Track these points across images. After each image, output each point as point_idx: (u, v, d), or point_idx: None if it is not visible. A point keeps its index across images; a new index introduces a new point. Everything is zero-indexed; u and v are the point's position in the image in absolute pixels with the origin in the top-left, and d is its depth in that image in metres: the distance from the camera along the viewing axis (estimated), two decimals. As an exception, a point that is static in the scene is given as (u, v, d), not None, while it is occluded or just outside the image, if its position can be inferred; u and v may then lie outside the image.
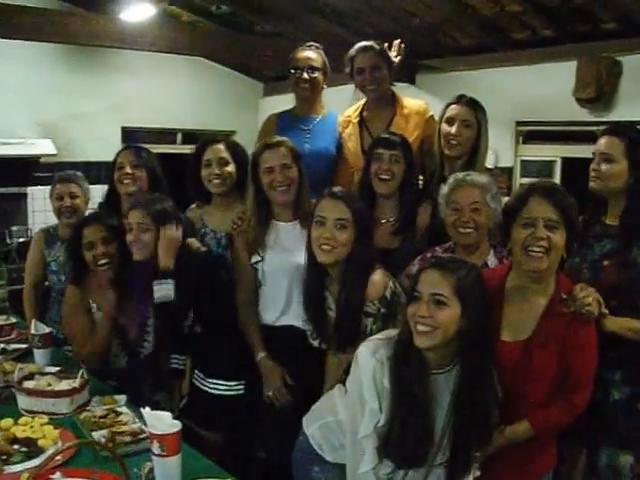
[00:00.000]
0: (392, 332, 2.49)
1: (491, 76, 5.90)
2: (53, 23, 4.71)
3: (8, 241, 6.57)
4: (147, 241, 3.16)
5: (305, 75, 3.94)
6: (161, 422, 2.28)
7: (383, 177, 3.33)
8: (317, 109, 4.07)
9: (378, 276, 2.83)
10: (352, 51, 3.88)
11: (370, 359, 2.37)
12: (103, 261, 3.33)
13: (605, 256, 2.82)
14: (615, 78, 5.14)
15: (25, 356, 3.51)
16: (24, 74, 6.71)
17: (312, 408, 2.81)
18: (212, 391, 3.33)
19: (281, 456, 2.93)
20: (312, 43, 4.05)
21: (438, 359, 2.36)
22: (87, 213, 4.05)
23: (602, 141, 2.90)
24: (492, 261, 3.01)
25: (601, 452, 2.80)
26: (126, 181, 3.70)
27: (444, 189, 3.07)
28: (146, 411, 2.34)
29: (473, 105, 3.50)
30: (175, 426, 2.28)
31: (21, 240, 6.50)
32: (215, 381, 3.32)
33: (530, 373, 2.49)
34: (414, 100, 4.00)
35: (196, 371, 3.43)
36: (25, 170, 6.79)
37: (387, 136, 3.47)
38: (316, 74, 3.95)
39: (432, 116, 3.84)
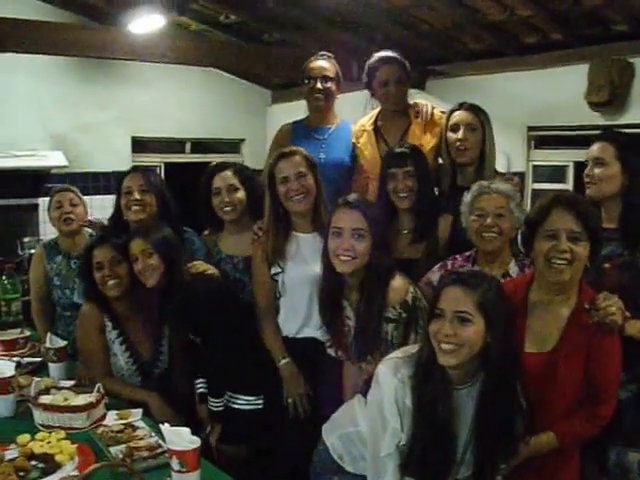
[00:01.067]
0: (411, 349, 2.46)
1: (502, 81, 5.87)
2: (64, 37, 4.72)
3: (20, 252, 6.57)
4: (155, 265, 3.21)
5: (319, 85, 3.93)
6: (180, 438, 2.28)
7: (401, 195, 3.33)
8: (331, 119, 4.06)
9: (398, 281, 2.81)
10: (373, 62, 3.85)
11: (391, 379, 2.34)
12: (112, 282, 3.28)
13: (605, 259, 2.78)
14: (627, 80, 5.08)
15: (39, 370, 3.50)
16: (34, 86, 6.74)
17: (331, 418, 2.78)
18: (230, 405, 3.27)
19: (300, 467, 2.90)
20: (324, 53, 4.04)
21: (461, 375, 2.33)
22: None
23: (594, 147, 2.93)
24: (514, 270, 2.99)
25: (609, 451, 2.77)
26: (135, 208, 3.60)
27: (467, 197, 3.07)
28: (165, 427, 2.34)
29: (475, 109, 3.52)
30: (194, 442, 2.28)
31: (33, 251, 6.49)
32: (233, 395, 3.26)
33: (554, 384, 2.46)
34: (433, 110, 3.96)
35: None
36: (36, 181, 6.80)
37: (398, 151, 3.43)
38: (329, 84, 3.94)
39: None
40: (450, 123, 3.52)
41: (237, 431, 3.23)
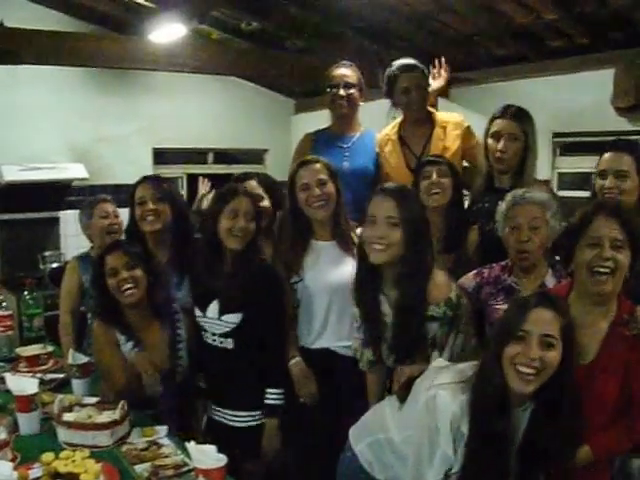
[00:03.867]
0: (467, 370, 2.37)
1: (527, 86, 5.79)
2: (84, 48, 4.72)
3: (41, 266, 6.57)
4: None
5: (342, 92, 3.93)
6: (206, 456, 2.27)
7: (433, 191, 3.30)
8: (354, 126, 4.06)
9: (441, 277, 2.73)
10: (394, 69, 3.87)
11: (451, 406, 2.26)
12: (127, 286, 3.19)
13: None
14: (654, 85, 5.01)
15: (63, 386, 3.47)
16: (54, 98, 6.76)
17: (360, 422, 2.72)
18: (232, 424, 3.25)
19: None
20: (346, 62, 4.04)
21: (520, 398, 2.29)
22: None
23: (611, 158, 2.91)
24: (550, 281, 2.94)
25: (632, 461, 2.71)
26: (150, 218, 3.54)
27: (502, 206, 3.01)
28: (191, 445, 2.33)
29: (519, 117, 3.43)
30: (221, 460, 2.26)
31: (54, 265, 6.50)
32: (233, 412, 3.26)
33: (592, 397, 2.40)
34: (449, 113, 4.00)
35: (213, 406, 3.35)
36: (57, 194, 6.82)
37: (433, 158, 3.47)
38: (352, 90, 3.94)
39: (469, 127, 3.84)
40: (492, 130, 3.43)
41: (251, 447, 3.18)
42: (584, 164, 5.64)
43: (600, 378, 2.42)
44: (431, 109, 3.96)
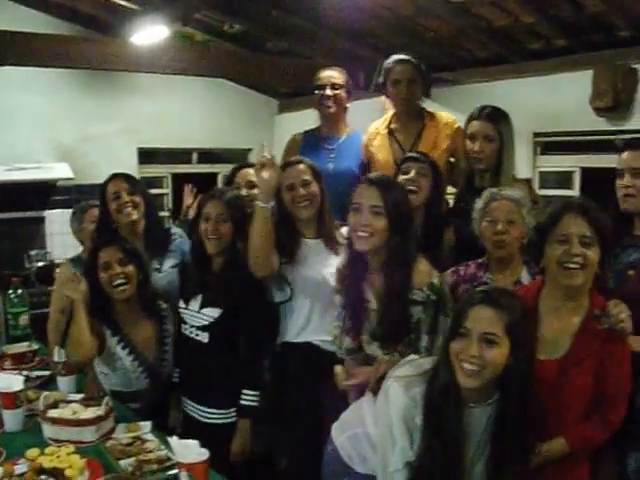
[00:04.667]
0: (425, 364, 2.44)
1: (507, 87, 5.85)
2: (67, 49, 4.74)
3: (27, 265, 6.61)
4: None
5: (328, 92, 3.99)
6: (189, 451, 2.30)
7: (410, 188, 3.30)
8: (341, 128, 4.12)
9: (423, 265, 2.76)
10: (389, 63, 3.94)
11: (402, 397, 2.33)
12: (119, 281, 3.28)
13: (630, 266, 2.80)
14: (632, 86, 5.06)
15: (48, 383, 3.51)
16: (39, 99, 6.78)
17: (340, 418, 2.78)
18: (206, 420, 3.31)
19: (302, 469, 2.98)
20: (334, 67, 4.13)
21: (476, 394, 2.32)
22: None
23: (630, 156, 2.89)
24: (525, 277, 3.01)
25: (629, 457, 2.75)
26: (127, 209, 3.65)
27: (479, 203, 3.09)
28: (173, 440, 2.37)
29: (494, 117, 3.49)
30: (203, 454, 2.29)
31: (40, 264, 6.52)
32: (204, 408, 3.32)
33: (566, 391, 2.47)
34: (442, 112, 4.03)
35: (187, 400, 3.41)
36: (42, 194, 6.85)
37: (417, 155, 3.50)
38: (339, 91, 4.01)
39: (460, 127, 3.85)
40: (469, 132, 3.51)
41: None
42: (564, 163, 5.77)
43: (573, 372, 2.46)
44: (423, 106, 4.00)
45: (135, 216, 3.67)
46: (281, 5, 5.64)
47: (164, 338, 3.45)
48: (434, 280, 2.73)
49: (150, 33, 5.44)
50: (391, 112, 4.05)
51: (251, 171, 3.60)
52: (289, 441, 3.34)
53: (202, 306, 3.28)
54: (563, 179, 5.78)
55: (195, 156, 8.17)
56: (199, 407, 3.31)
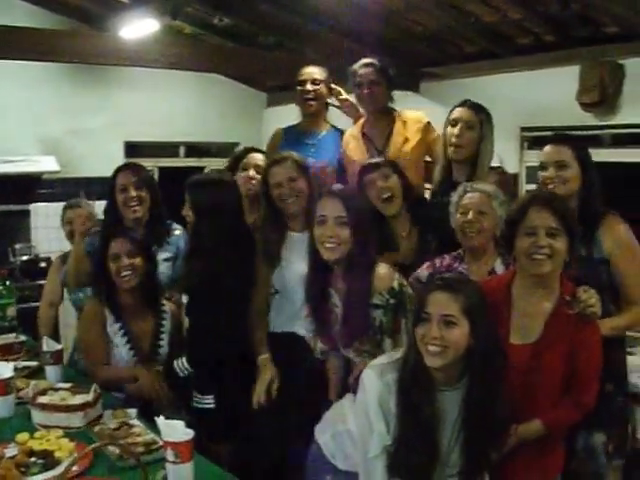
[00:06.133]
0: (396, 354, 2.54)
1: (495, 82, 5.88)
2: (52, 43, 4.73)
3: (12, 259, 6.57)
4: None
5: (309, 86, 4.15)
6: (174, 430, 2.37)
7: (384, 196, 3.47)
8: (322, 124, 4.29)
9: (384, 269, 2.86)
10: (355, 66, 4.06)
11: (376, 382, 2.44)
12: (126, 272, 3.40)
13: None
14: (618, 82, 5.11)
15: (36, 373, 3.55)
16: (26, 91, 6.74)
17: (323, 417, 2.87)
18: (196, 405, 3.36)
19: (286, 462, 3.08)
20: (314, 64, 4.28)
21: (446, 377, 2.43)
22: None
23: (552, 149, 3.08)
24: (499, 268, 3.13)
25: (578, 435, 2.91)
26: (132, 204, 3.75)
27: (454, 197, 3.23)
28: (160, 420, 2.44)
29: (476, 108, 3.62)
30: (188, 434, 2.37)
31: (24, 258, 6.50)
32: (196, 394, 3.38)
33: (539, 374, 2.56)
34: (411, 111, 4.17)
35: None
36: (28, 187, 6.81)
37: (370, 162, 3.65)
38: (319, 86, 4.17)
39: (429, 122, 4.04)
40: (450, 117, 3.63)
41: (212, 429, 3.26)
42: (551, 158, 5.76)
43: (546, 356, 2.56)
44: (394, 107, 4.13)
45: (140, 213, 3.78)
46: (268, 0, 5.64)
47: (160, 333, 3.54)
48: (394, 284, 2.82)
49: (139, 27, 5.43)
50: (364, 118, 4.19)
51: (259, 155, 3.81)
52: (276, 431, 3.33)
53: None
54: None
55: (182, 150, 8.14)
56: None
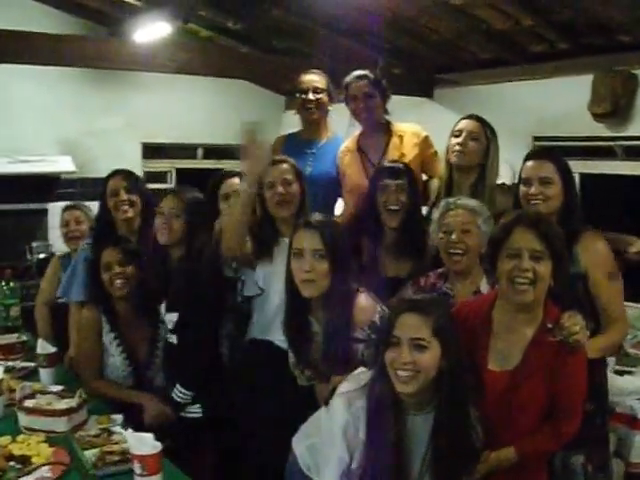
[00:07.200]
0: (363, 377, 2.45)
1: (509, 90, 5.85)
2: (63, 48, 4.76)
3: (29, 257, 6.68)
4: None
5: (310, 96, 4.03)
6: (142, 443, 2.36)
7: (392, 208, 3.37)
8: (323, 132, 4.16)
9: (365, 301, 2.77)
10: (347, 78, 3.97)
11: (343, 413, 2.36)
12: (119, 281, 3.44)
13: None
14: (631, 92, 5.03)
15: (32, 375, 3.59)
16: (43, 91, 6.83)
17: (301, 428, 2.79)
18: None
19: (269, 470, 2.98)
20: (315, 69, 4.16)
21: (416, 402, 2.35)
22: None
23: (535, 165, 3.01)
24: (485, 287, 3.00)
25: (555, 457, 2.81)
26: (123, 207, 3.78)
27: (435, 214, 3.11)
28: (128, 432, 2.45)
29: (482, 120, 3.53)
30: (156, 447, 2.35)
31: (41, 256, 6.58)
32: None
33: (517, 402, 2.47)
34: (408, 124, 4.05)
35: None
36: (45, 186, 6.89)
37: (391, 165, 3.52)
38: (321, 95, 4.04)
39: (428, 136, 3.92)
40: (454, 129, 3.54)
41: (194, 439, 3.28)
42: (564, 168, 5.70)
43: (525, 384, 2.46)
44: (389, 119, 4.02)
45: (130, 214, 3.80)
46: (281, 6, 5.65)
47: (156, 342, 3.54)
48: (375, 319, 2.73)
49: (152, 30, 5.47)
50: (359, 131, 4.07)
51: (237, 180, 3.61)
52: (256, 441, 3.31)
53: (166, 310, 3.37)
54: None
55: (200, 151, 8.18)
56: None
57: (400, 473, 2.33)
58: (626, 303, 3.09)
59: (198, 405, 3.30)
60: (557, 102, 5.47)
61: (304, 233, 2.79)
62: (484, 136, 3.48)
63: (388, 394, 2.31)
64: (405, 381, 2.27)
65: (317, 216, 2.90)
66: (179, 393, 3.27)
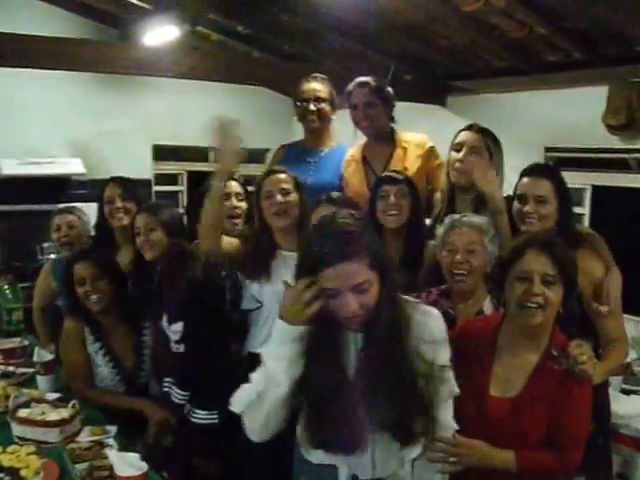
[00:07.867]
0: None
1: (522, 99, 5.81)
2: (67, 52, 4.76)
3: (40, 257, 6.66)
4: (156, 240, 3.41)
5: (312, 106, 3.93)
6: (126, 464, 2.33)
7: (392, 213, 3.28)
8: (325, 141, 4.05)
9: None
10: (350, 86, 3.86)
11: None
12: (94, 296, 3.38)
13: None
14: (646, 104, 4.98)
15: (31, 380, 3.56)
16: (54, 94, 6.84)
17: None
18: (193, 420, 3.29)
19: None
20: (317, 74, 4.05)
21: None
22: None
23: (532, 182, 2.94)
24: (488, 307, 2.89)
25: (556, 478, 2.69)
26: (119, 215, 3.80)
27: (440, 230, 2.98)
28: (112, 453, 2.42)
29: (484, 132, 3.35)
30: (141, 468, 2.32)
31: (52, 256, 6.57)
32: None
33: (517, 430, 2.38)
34: (414, 134, 3.93)
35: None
36: (56, 188, 6.88)
37: (390, 174, 3.43)
38: (323, 105, 3.94)
39: (433, 147, 3.79)
40: (454, 142, 3.38)
41: (203, 446, 3.22)
42: (575, 180, 5.63)
43: (526, 412, 2.39)
44: (394, 129, 3.91)
45: (125, 221, 3.78)
46: (290, 10, 5.62)
47: (142, 349, 3.50)
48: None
49: (161, 33, 5.46)
50: (364, 140, 3.97)
51: (234, 183, 3.59)
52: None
53: (169, 322, 3.26)
54: (573, 196, 5.65)
55: (212, 154, 8.14)
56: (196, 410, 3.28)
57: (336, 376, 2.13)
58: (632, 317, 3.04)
59: (216, 412, 3.20)
60: (571, 113, 5.42)
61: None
62: (485, 149, 3.31)
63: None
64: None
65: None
66: (177, 395, 3.22)
